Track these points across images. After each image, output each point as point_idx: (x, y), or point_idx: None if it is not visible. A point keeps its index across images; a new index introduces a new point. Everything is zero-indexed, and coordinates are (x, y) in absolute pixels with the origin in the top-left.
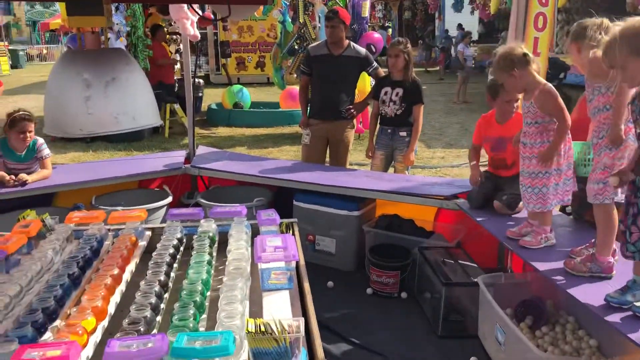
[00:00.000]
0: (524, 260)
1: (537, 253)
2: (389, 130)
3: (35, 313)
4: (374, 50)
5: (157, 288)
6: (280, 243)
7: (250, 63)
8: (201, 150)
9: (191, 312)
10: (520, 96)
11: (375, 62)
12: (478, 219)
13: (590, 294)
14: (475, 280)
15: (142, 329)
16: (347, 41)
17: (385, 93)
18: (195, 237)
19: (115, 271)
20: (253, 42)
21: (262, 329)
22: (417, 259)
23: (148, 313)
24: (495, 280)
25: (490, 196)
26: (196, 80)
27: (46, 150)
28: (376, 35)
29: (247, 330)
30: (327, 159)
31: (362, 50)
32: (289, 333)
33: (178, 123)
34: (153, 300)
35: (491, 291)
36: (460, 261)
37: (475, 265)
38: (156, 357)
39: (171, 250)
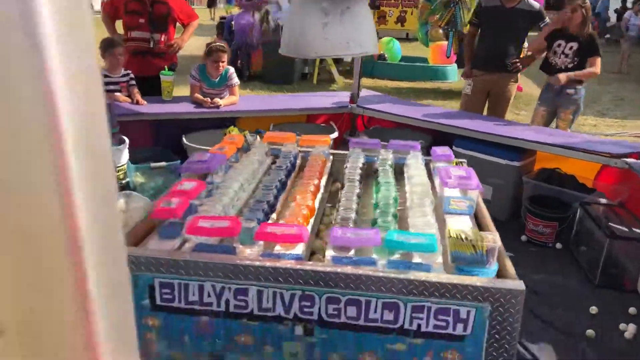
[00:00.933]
0: None
1: None
2: (556, 87)
3: (262, 203)
4: None
5: (355, 198)
6: (464, 173)
7: (392, 17)
8: (364, 93)
9: (389, 218)
10: None
11: (547, 18)
12: None
13: None
14: None
15: (351, 225)
16: None
17: (559, 45)
18: (377, 163)
19: (316, 181)
20: None
21: (463, 236)
22: (578, 213)
23: (353, 215)
24: None
25: None
26: None
27: (235, 79)
28: None
29: (449, 236)
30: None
31: (536, 4)
32: (485, 243)
33: (326, 70)
34: (354, 205)
35: None
36: (623, 219)
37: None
38: (372, 244)
39: (359, 171)
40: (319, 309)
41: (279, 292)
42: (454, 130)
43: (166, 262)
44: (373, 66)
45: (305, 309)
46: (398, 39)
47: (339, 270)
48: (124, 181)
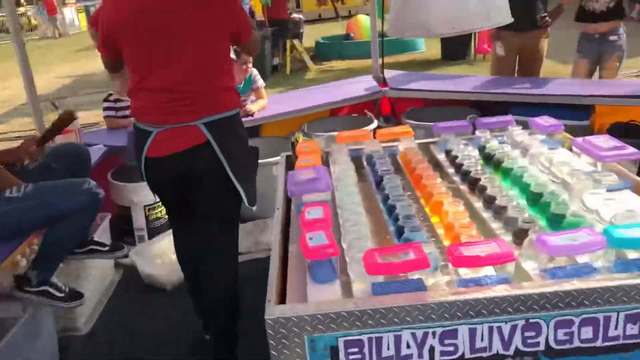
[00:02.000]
0: None
1: None
2: (597, 36)
3: (413, 219)
4: None
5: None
6: (612, 143)
7: None
8: (388, 73)
9: (569, 207)
10: None
11: None
12: None
13: None
14: None
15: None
16: None
17: None
18: (488, 147)
19: (438, 180)
20: None
21: None
22: None
23: (526, 214)
24: None
25: None
26: (296, 15)
27: (261, 81)
28: None
29: None
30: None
31: None
32: None
33: (297, 59)
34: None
35: None
36: None
37: None
38: (599, 248)
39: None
40: (547, 337)
41: (495, 327)
42: (507, 98)
43: (351, 315)
44: (342, 47)
45: (530, 340)
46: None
47: (569, 287)
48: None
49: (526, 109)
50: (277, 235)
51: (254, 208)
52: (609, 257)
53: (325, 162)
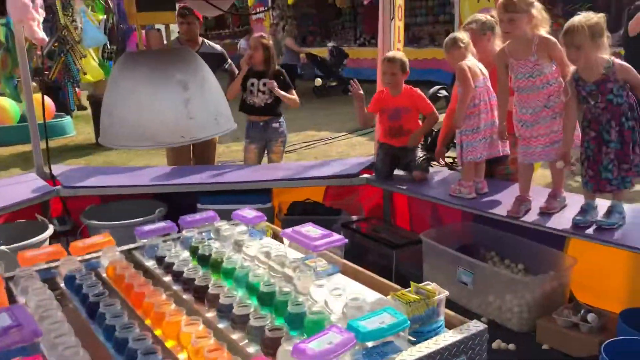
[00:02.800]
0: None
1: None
2: (261, 124)
3: None
4: None
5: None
6: (319, 232)
7: None
8: (56, 169)
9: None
10: None
11: (229, 59)
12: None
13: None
14: (418, 238)
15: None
16: (201, 38)
17: (252, 84)
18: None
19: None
20: None
21: (412, 296)
22: (349, 235)
23: (269, 319)
24: (431, 235)
25: (390, 166)
26: None
27: None
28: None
29: (406, 302)
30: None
31: (217, 46)
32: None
33: None
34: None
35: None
36: (387, 228)
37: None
38: (352, 344)
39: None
40: None
41: None
42: (194, 188)
43: None
44: None
45: None
46: None
47: None
48: None
49: (215, 197)
50: None
51: None
52: (353, 351)
53: (11, 296)
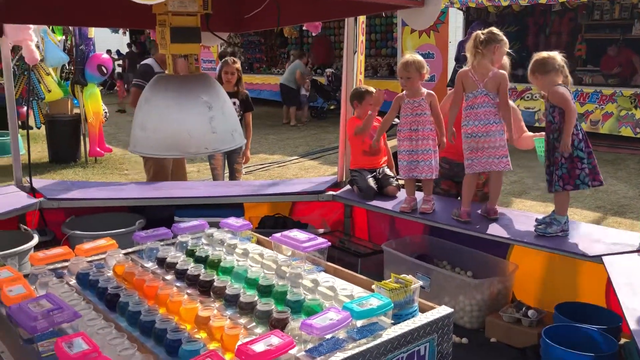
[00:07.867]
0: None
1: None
2: None
3: None
4: (105, 71)
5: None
6: (305, 235)
7: None
8: (37, 182)
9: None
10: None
11: None
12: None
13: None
14: (380, 248)
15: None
16: None
17: None
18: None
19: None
20: None
21: (393, 285)
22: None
23: (273, 305)
24: (392, 245)
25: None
26: None
27: None
28: (104, 56)
29: (389, 289)
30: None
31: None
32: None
33: None
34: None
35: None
36: (350, 239)
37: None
38: (347, 325)
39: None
40: None
41: None
42: (171, 202)
43: None
44: None
45: None
46: None
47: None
48: None
49: (190, 211)
50: None
51: None
52: (347, 329)
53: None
